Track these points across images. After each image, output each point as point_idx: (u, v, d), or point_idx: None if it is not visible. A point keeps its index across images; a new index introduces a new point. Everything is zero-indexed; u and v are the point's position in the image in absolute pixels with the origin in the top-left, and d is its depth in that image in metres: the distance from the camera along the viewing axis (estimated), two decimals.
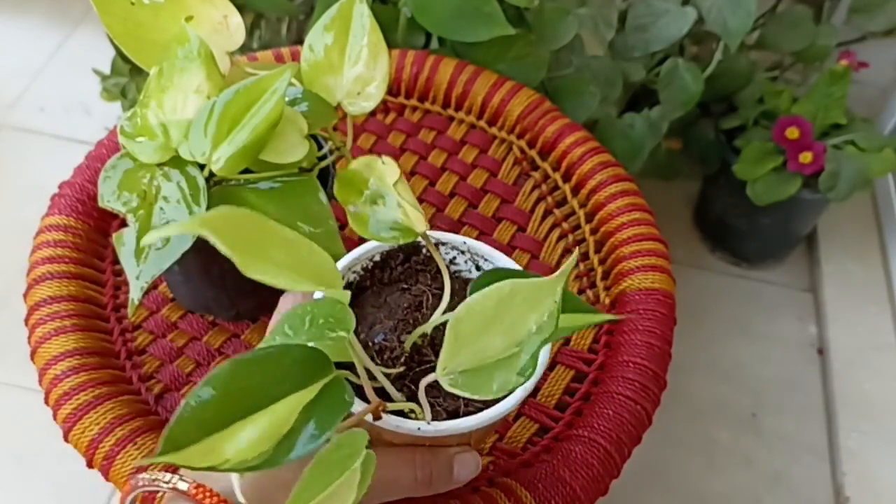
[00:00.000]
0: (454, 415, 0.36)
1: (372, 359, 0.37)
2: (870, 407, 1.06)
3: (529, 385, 0.36)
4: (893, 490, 0.98)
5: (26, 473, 0.96)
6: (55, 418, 0.47)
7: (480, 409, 0.36)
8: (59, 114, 1.34)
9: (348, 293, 0.32)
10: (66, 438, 0.47)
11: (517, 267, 0.42)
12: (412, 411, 0.35)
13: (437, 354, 0.36)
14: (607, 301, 0.56)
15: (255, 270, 0.28)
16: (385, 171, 0.41)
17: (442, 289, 0.39)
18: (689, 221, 1.27)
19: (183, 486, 0.34)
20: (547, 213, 0.62)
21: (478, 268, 0.43)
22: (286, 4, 0.92)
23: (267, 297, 0.53)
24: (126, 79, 1.07)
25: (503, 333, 0.32)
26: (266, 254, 0.28)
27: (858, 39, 1.05)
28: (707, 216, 1.24)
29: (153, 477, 0.35)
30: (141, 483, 0.36)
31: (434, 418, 0.35)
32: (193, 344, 0.53)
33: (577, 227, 0.61)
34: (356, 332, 0.37)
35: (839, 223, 1.23)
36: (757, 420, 1.07)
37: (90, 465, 0.46)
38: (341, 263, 0.41)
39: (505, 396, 0.35)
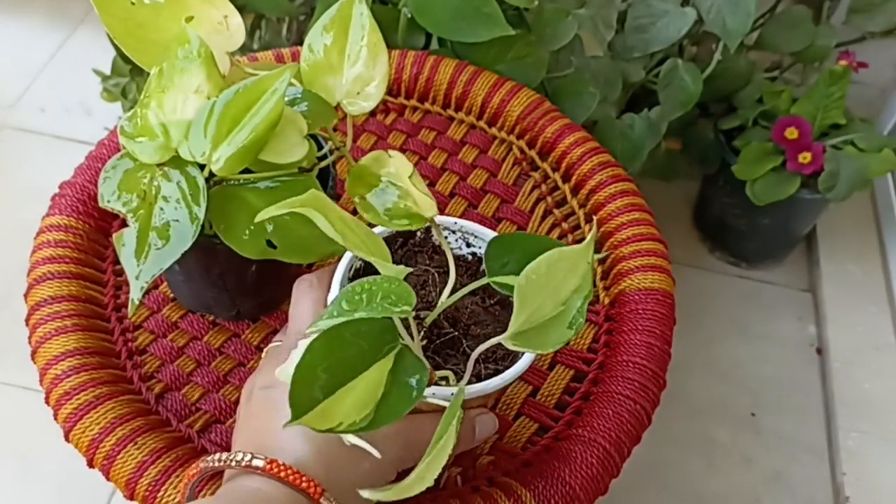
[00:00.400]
0: (477, 379, 0.39)
1: None
2: (869, 407, 1.06)
3: (531, 356, 0.40)
4: (893, 490, 0.99)
5: (27, 473, 0.96)
6: (56, 418, 0.47)
7: (498, 372, 0.39)
8: (59, 114, 1.34)
9: (406, 269, 0.35)
10: (66, 438, 0.47)
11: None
12: (444, 378, 0.38)
13: (453, 326, 0.41)
14: (606, 301, 0.56)
15: (353, 245, 0.33)
16: (392, 163, 0.43)
17: (440, 267, 0.43)
18: (688, 221, 1.27)
19: (258, 462, 0.36)
20: (547, 213, 0.62)
21: (468, 244, 0.46)
22: (286, 5, 0.93)
23: (267, 297, 0.54)
24: (126, 79, 1.07)
25: (551, 295, 0.35)
26: (345, 233, 0.33)
27: (858, 40, 1.05)
28: (706, 216, 1.24)
29: (228, 457, 0.37)
30: (213, 463, 0.38)
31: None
32: (194, 344, 0.53)
33: (577, 227, 0.61)
34: None
35: (838, 223, 1.23)
36: (756, 420, 1.07)
37: (91, 464, 0.46)
38: (349, 252, 0.43)
39: (515, 363, 0.40)
